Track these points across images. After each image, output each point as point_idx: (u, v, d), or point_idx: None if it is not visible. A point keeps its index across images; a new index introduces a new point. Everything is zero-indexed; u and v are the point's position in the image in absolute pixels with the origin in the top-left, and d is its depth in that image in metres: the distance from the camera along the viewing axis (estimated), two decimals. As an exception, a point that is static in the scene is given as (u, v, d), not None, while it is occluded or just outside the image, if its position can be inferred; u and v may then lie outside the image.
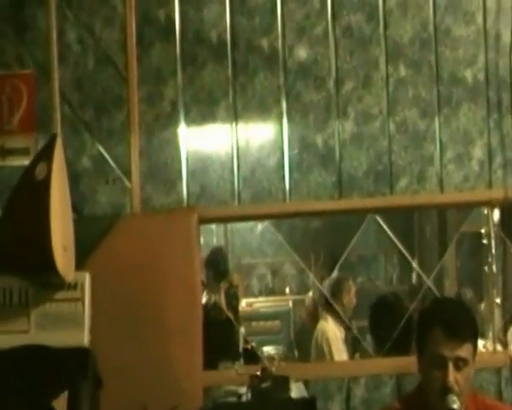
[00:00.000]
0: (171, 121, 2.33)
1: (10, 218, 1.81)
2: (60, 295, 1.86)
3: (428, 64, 2.38)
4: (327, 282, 3.23)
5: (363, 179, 2.35)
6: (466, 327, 1.53)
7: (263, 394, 1.89)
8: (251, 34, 2.35)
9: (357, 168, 2.36)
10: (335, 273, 3.16)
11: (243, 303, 3.68)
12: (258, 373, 1.93)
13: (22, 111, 2.24)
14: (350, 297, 3.20)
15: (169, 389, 2.04)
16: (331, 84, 2.36)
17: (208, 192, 2.32)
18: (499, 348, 2.47)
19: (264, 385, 1.89)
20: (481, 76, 2.39)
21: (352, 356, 3.06)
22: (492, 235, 2.50)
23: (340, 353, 3.03)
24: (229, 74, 2.35)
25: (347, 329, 3.14)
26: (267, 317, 3.89)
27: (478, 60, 2.39)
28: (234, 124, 2.35)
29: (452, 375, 1.48)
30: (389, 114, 2.37)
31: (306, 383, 2.17)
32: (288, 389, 1.93)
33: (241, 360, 2.85)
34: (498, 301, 2.55)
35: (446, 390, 1.48)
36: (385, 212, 2.47)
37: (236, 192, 2.33)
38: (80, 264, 1.97)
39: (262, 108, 2.35)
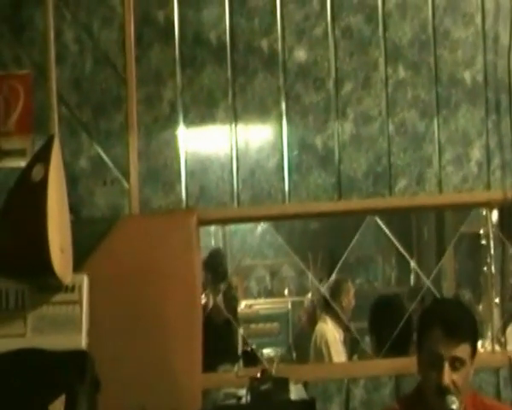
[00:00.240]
0: (170, 122, 2.32)
1: (7, 220, 1.80)
2: (57, 297, 1.84)
3: (427, 65, 2.39)
4: (326, 283, 3.23)
5: (362, 181, 2.35)
6: (464, 327, 1.54)
7: (262, 396, 1.88)
8: (250, 35, 2.34)
9: (357, 170, 2.35)
10: (335, 275, 3.16)
11: (242, 305, 3.67)
12: (258, 375, 1.92)
13: (19, 112, 2.23)
14: (349, 299, 3.20)
15: (168, 392, 2.03)
16: (330, 85, 2.36)
17: (207, 194, 2.32)
18: (498, 348, 2.47)
19: (264, 387, 1.89)
20: (480, 77, 2.39)
21: (350, 358, 3.06)
22: (491, 236, 2.51)
23: (339, 354, 3.03)
24: (229, 75, 2.34)
25: (346, 330, 3.14)
26: (266, 319, 3.89)
27: (476, 61, 2.40)
28: (233, 125, 2.34)
29: (448, 375, 1.48)
30: (388, 116, 2.37)
31: (306, 385, 2.17)
32: (287, 390, 1.93)
33: (241, 363, 2.84)
34: (497, 301, 2.55)
35: (442, 390, 1.49)
36: (384, 213, 2.47)
37: (236, 194, 2.33)
38: (78, 266, 1.96)
39: (261, 110, 2.34)
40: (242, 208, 2.32)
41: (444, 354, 1.49)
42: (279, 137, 2.35)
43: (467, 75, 2.40)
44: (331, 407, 2.28)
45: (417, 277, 3.21)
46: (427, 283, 2.59)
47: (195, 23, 2.34)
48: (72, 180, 2.18)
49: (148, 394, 2.02)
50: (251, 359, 2.78)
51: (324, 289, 3.19)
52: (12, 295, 1.84)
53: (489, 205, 2.47)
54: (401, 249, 2.72)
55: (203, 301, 2.95)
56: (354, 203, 2.34)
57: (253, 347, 2.98)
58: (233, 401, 1.91)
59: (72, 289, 1.86)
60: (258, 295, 4.14)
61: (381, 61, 2.37)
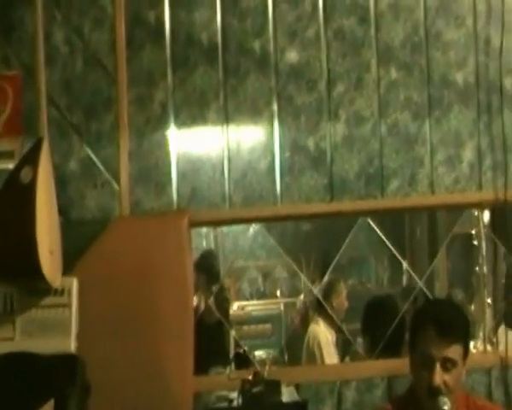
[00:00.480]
0: (162, 124, 2.30)
1: (-5, 222, 1.78)
2: (46, 300, 1.83)
3: (419, 67, 2.39)
4: (318, 285, 3.22)
5: (354, 182, 2.35)
6: (456, 328, 1.54)
7: (254, 398, 1.87)
8: (242, 36, 2.33)
9: (349, 171, 2.35)
10: (327, 276, 3.16)
11: (234, 307, 3.66)
12: (250, 378, 1.91)
13: (8, 113, 2.21)
14: (341, 300, 3.20)
15: (159, 395, 2.02)
16: (323, 86, 2.35)
17: (199, 195, 2.30)
18: (489, 348, 2.47)
19: (256, 390, 1.88)
20: (472, 79, 2.40)
21: (342, 359, 3.06)
22: (483, 236, 2.51)
23: (331, 356, 3.02)
24: (221, 77, 2.33)
25: (339, 332, 3.14)
26: (258, 320, 3.88)
27: (468, 63, 2.40)
28: (225, 126, 2.33)
29: (439, 375, 1.48)
30: (380, 117, 2.37)
31: (298, 387, 2.16)
32: (279, 393, 1.92)
33: (233, 365, 2.83)
34: (489, 301, 2.56)
35: (433, 391, 1.49)
36: (376, 214, 2.47)
37: (227, 195, 2.32)
38: (68, 269, 1.94)
39: (253, 111, 2.33)
40: (234, 210, 2.31)
41: (435, 354, 1.50)
42: (271, 139, 2.34)
43: (459, 76, 2.40)
44: (323, 409, 2.28)
45: (410, 277, 3.21)
46: (420, 283, 2.60)
47: (187, 24, 2.33)
48: (62, 182, 2.16)
49: (139, 397, 2.01)
50: (243, 361, 2.77)
51: (317, 290, 3.18)
52: (0, 298, 1.82)
53: (481, 206, 2.49)
54: (393, 251, 2.72)
55: (195, 302, 2.94)
56: (346, 205, 2.34)
57: (246, 349, 2.97)
58: (224, 404, 1.90)
59: (62, 292, 1.85)
60: (251, 297, 4.14)
61: (374, 62, 2.37)
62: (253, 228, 3.17)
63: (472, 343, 2.46)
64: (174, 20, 2.33)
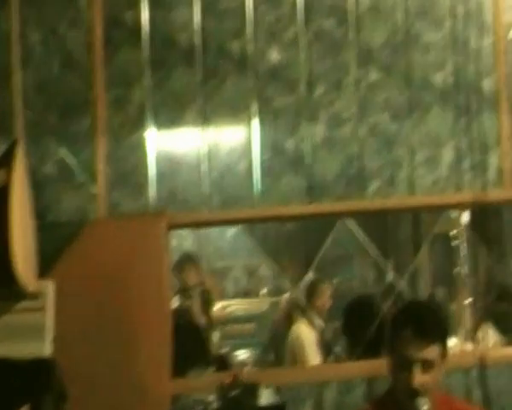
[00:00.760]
0: (139, 125, 2.29)
1: (-31, 226, 1.76)
2: (21, 304, 1.80)
3: (399, 68, 2.39)
4: (301, 284, 3.22)
5: (334, 183, 2.35)
6: (434, 329, 1.54)
7: (231, 402, 1.87)
8: (221, 38, 2.33)
9: (329, 172, 2.35)
10: (311, 275, 3.15)
11: (218, 306, 3.65)
12: (227, 381, 1.91)
13: (-19, 116, 2.17)
14: (324, 299, 3.20)
15: (136, 398, 2.01)
16: (302, 88, 2.35)
17: (177, 197, 2.29)
18: (469, 348, 2.49)
19: (233, 393, 1.87)
20: (451, 80, 2.41)
21: (326, 359, 3.06)
22: (463, 237, 2.53)
23: (314, 356, 3.02)
24: (199, 78, 2.32)
25: (322, 331, 3.14)
26: (243, 320, 3.88)
27: (447, 64, 2.41)
28: (204, 128, 2.32)
29: (418, 377, 1.48)
30: (360, 118, 2.37)
31: (278, 388, 2.16)
32: (256, 396, 1.92)
33: (216, 367, 2.82)
34: (469, 301, 2.57)
35: (412, 392, 1.49)
36: (356, 216, 2.48)
37: (206, 197, 2.31)
38: (45, 272, 1.93)
39: (232, 112, 2.32)
40: (213, 212, 2.30)
41: (414, 356, 1.49)
42: (250, 140, 2.34)
43: (438, 78, 2.42)
44: (303, 410, 2.28)
45: (394, 276, 3.22)
46: (400, 283, 2.61)
47: (165, 25, 2.31)
48: (38, 185, 2.13)
49: (115, 400, 2.00)
50: (225, 363, 2.77)
51: (300, 289, 3.18)
52: (-26, 303, 1.80)
53: (460, 206, 2.50)
54: (372, 252, 2.73)
55: (177, 303, 2.94)
56: (325, 206, 2.34)
57: (228, 349, 2.96)
58: (201, 408, 1.90)
59: (37, 296, 1.83)
60: (235, 296, 4.13)
61: (353, 63, 2.37)
62: (236, 228, 3.16)
63: (452, 342, 2.48)
64: (152, 21, 2.31)
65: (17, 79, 1.94)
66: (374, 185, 2.37)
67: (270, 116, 2.34)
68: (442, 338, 1.56)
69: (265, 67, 2.34)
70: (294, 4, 2.36)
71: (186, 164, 2.31)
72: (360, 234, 2.57)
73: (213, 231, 3.65)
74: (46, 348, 1.79)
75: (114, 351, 2.05)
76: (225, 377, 1.98)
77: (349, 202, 2.35)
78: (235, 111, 2.33)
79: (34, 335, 1.80)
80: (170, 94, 2.30)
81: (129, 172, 2.28)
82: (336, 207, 2.35)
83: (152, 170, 2.29)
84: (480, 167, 2.41)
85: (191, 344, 2.54)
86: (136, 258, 2.13)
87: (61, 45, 2.26)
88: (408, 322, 1.54)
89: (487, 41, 2.42)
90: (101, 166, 2.24)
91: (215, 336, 3.15)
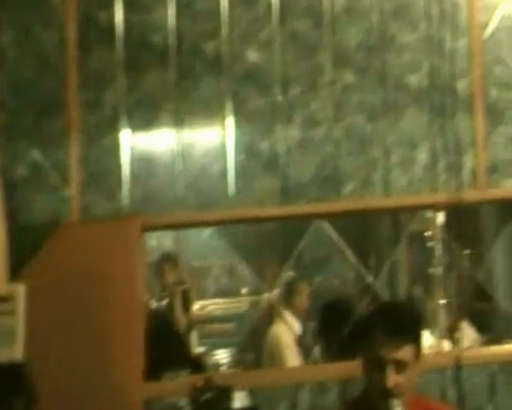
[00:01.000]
0: (113, 127, 2.27)
1: None
2: (-10, 309, 1.79)
3: (374, 70, 2.40)
4: (280, 283, 3.23)
5: (309, 185, 2.35)
6: (406, 329, 1.54)
7: (204, 405, 1.87)
8: (196, 38, 2.31)
9: (304, 174, 2.36)
10: (290, 275, 3.16)
11: (197, 306, 3.65)
12: (199, 384, 1.90)
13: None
14: (302, 299, 3.20)
15: (108, 402, 2.00)
16: (277, 89, 2.35)
17: (152, 199, 2.28)
18: (444, 348, 2.51)
19: (206, 396, 1.87)
20: (425, 81, 2.42)
21: (305, 359, 3.07)
22: (438, 237, 2.55)
23: (293, 357, 3.03)
24: (174, 79, 2.30)
25: (300, 332, 3.14)
26: (222, 319, 3.87)
27: (422, 66, 2.42)
28: (178, 129, 2.31)
29: (391, 378, 1.48)
30: (335, 120, 2.37)
31: (252, 390, 2.16)
32: (230, 399, 1.92)
33: (191, 369, 2.81)
34: (444, 301, 2.60)
35: (386, 393, 1.49)
36: (331, 217, 2.49)
37: (181, 198, 2.30)
38: (16, 275, 1.91)
39: (207, 113, 2.32)
40: (187, 213, 2.29)
41: (386, 357, 1.50)
42: (225, 141, 2.33)
43: (413, 79, 2.43)
44: (278, 413, 2.28)
45: (370, 276, 3.24)
46: (375, 283, 2.63)
47: (139, 25, 2.30)
48: (10, 186, 2.11)
49: (87, 404, 1.98)
50: (200, 364, 2.76)
51: (279, 289, 3.18)
52: None
53: (435, 207, 2.52)
54: (347, 252, 2.74)
55: (154, 304, 2.93)
56: (300, 208, 2.35)
57: (205, 349, 2.96)
58: (173, 412, 1.89)
59: (8, 299, 1.81)
60: (215, 295, 4.12)
61: (328, 65, 2.37)
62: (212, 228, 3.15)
63: (427, 342, 2.50)
64: (126, 22, 2.29)
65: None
66: (349, 186, 2.38)
67: (244, 117, 2.33)
68: (415, 339, 1.56)
69: (240, 69, 2.34)
70: (270, 5, 2.36)
71: (160, 165, 2.30)
72: (335, 235, 2.58)
73: (191, 231, 3.63)
74: (17, 352, 1.78)
75: (86, 355, 2.04)
76: (198, 380, 1.97)
77: (324, 204, 2.36)
78: (209, 112, 2.32)
79: (5, 339, 1.78)
80: (144, 95, 2.29)
81: (102, 173, 2.26)
82: (311, 209, 2.36)
83: (126, 172, 2.28)
84: (455, 168, 2.43)
85: (168, 346, 2.53)
86: (110, 261, 2.11)
87: (34, 46, 2.24)
88: (381, 323, 1.54)
89: (462, 42, 2.43)
90: (74, 168, 2.22)
91: (193, 336, 3.14)
